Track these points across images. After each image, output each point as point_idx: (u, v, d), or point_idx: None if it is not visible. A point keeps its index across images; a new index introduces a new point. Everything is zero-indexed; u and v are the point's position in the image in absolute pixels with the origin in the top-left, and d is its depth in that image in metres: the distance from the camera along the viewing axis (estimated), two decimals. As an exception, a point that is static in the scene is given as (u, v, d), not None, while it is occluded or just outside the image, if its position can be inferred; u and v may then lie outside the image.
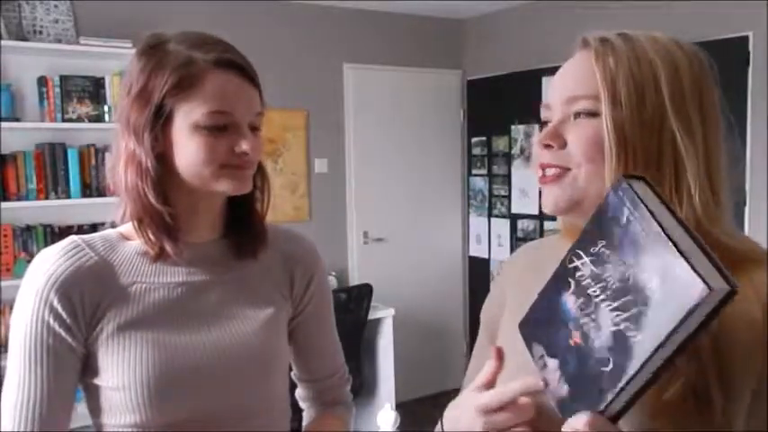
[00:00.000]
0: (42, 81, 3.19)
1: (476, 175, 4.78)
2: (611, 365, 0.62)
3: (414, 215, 4.68)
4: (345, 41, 4.34)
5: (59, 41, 3.24)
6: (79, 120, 3.25)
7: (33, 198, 3.16)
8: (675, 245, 0.58)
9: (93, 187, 3.31)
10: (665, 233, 0.59)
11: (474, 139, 4.78)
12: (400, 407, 3.62)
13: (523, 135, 4.36)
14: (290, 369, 1.18)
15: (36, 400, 0.92)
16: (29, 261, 3.25)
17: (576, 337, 0.66)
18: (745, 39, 3.19)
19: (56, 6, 3.26)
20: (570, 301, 0.68)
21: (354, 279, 4.35)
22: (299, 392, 1.22)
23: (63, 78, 3.21)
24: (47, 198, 3.18)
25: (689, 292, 0.55)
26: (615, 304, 0.62)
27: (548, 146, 0.80)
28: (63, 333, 0.93)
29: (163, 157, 0.96)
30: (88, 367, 0.96)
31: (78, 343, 0.94)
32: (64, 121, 3.22)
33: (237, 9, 3.88)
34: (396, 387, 3.93)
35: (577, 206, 0.79)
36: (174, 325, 0.97)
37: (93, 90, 3.28)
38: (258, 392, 1.02)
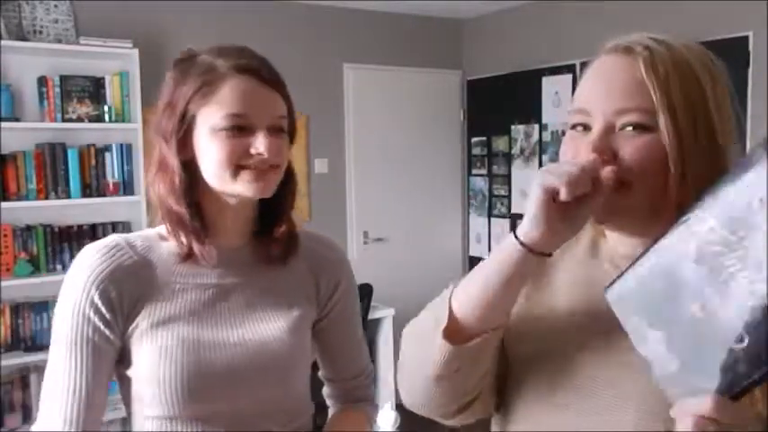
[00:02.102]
0: (42, 81, 3.19)
1: (476, 175, 4.78)
2: (746, 342, 0.58)
3: (414, 215, 4.68)
4: (345, 41, 4.34)
5: (59, 41, 3.24)
6: (79, 120, 3.25)
7: (33, 198, 3.16)
8: None
9: (93, 187, 3.31)
10: None
11: (474, 139, 4.77)
12: (400, 407, 3.62)
13: (523, 135, 4.36)
14: (318, 368, 1.24)
15: (78, 387, 0.98)
16: (29, 261, 3.25)
17: (696, 309, 0.62)
18: (745, 39, 3.19)
19: (56, 6, 3.26)
20: (689, 269, 0.63)
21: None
22: (325, 391, 1.26)
23: (63, 78, 3.21)
24: (47, 198, 3.18)
25: None
26: (760, 276, 0.57)
27: (603, 159, 0.77)
28: (102, 326, 0.99)
29: (191, 164, 1.02)
30: (123, 359, 1.02)
31: (116, 336, 1.00)
32: (64, 121, 3.22)
33: (237, 9, 3.88)
34: (396, 387, 3.92)
35: (623, 219, 0.79)
36: (204, 325, 1.03)
37: (93, 90, 3.28)
38: (281, 391, 1.07)
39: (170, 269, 1.04)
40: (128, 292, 1.00)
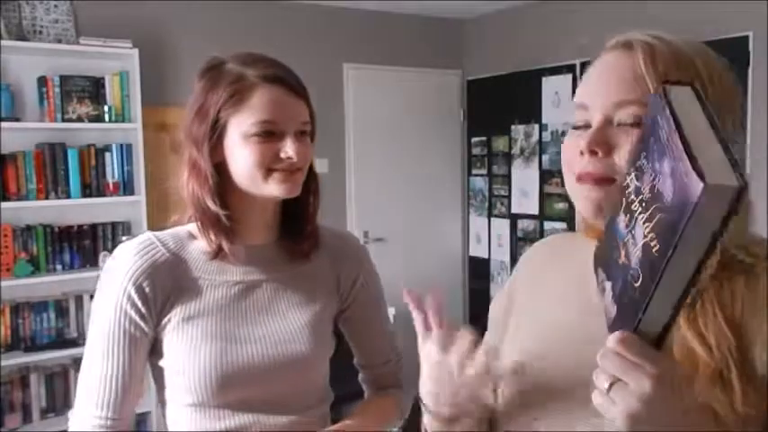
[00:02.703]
0: (42, 81, 3.19)
1: (476, 175, 4.78)
2: (640, 279, 0.61)
3: (414, 215, 4.68)
4: (345, 41, 4.34)
5: (59, 41, 3.24)
6: (79, 120, 3.25)
7: (33, 198, 3.15)
8: (688, 145, 0.55)
9: (92, 187, 3.30)
10: (681, 134, 0.56)
11: (474, 139, 4.77)
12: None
13: (523, 135, 4.36)
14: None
15: (114, 375, 1.07)
16: (29, 261, 3.24)
17: (623, 256, 0.65)
18: (745, 39, 3.19)
19: (56, 6, 3.26)
20: (621, 220, 0.67)
21: (354, 279, 4.34)
22: (360, 377, 1.34)
23: (63, 78, 3.21)
24: (47, 198, 3.18)
25: (689, 191, 0.53)
26: (646, 215, 0.61)
27: (594, 152, 0.75)
28: (138, 319, 1.07)
29: (221, 167, 1.09)
30: (155, 350, 1.10)
31: (150, 328, 1.08)
32: (64, 121, 3.21)
33: (237, 9, 3.88)
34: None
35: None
36: (230, 319, 1.10)
37: (93, 90, 3.28)
38: (301, 382, 1.14)
39: (199, 266, 1.11)
40: (161, 287, 1.07)
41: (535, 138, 4.26)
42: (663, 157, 0.59)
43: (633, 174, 0.65)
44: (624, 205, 0.67)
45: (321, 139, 4.41)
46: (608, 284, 0.69)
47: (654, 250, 0.58)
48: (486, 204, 4.70)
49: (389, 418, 1.28)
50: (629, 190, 0.66)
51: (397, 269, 4.56)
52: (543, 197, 4.24)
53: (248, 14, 3.92)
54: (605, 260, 0.71)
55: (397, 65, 4.52)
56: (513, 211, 4.47)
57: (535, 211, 4.30)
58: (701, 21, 3.27)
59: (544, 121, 4.18)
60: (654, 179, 0.60)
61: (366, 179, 4.47)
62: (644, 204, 0.62)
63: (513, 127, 4.42)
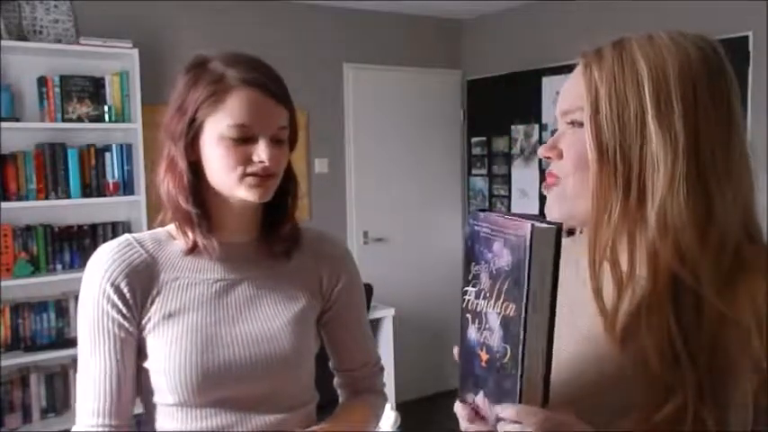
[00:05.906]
0: (42, 81, 3.19)
1: (476, 175, 4.78)
2: (508, 352, 0.68)
3: (414, 215, 4.68)
4: (345, 41, 4.34)
5: (59, 41, 3.24)
6: (79, 120, 3.25)
7: (33, 198, 3.15)
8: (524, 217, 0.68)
9: (93, 187, 3.30)
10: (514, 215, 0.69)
11: (474, 139, 4.77)
12: (400, 407, 3.62)
13: (523, 135, 4.36)
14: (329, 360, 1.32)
15: (105, 375, 1.07)
16: (29, 261, 3.24)
17: (483, 357, 0.72)
18: (745, 39, 3.19)
19: (56, 6, 3.26)
20: (472, 331, 0.74)
21: (354, 279, 4.34)
22: (335, 381, 1.32)
23: (63, 78, 3.21)
24: (47, 198, 3.18)
25: (523, 237, 0.66)
26: (493, 300, 0.70)
27: (547, 157, 0.83)
28: (120, 319, 1.07)
29: (197, 164, 1.09)
30: (140, 352, 1.10)
31: (134, 327, 1.08)
32: (64, 121, 3.21)
33: (237, 9, 3.88)
34: (396, 387, 3.93)
35: (571, 216, 0.81)
36: (210, 317, 1.10)
37: (93, 90, 3.28)
38: (285, 381, 1.13)
39: (178, 265, 1.12)
40: (139, 287, 1.08)
41: (535, 138, 4.26)
42: (492, 242, 0.70)
43: (469, 287, 0.74)
44: (471, 317, 0.75)
45: (321, 139, 4.40)
46: (479, 398, 0.74)
47: (512, 313, 0.67)
48: (486, 204, 4.70)
49: (367, 423, 1.26)
50: (470, 299, 0.74)
51: (397, 269, 4.57)
52: (543, 197, 4.23)
53: (248, 14, 3.92)
54: (466, 381, 0.77)
55: (397, 65, 4.52)
56: (513, 211, 4.47)
57: (535, 211, 4.30)
58: (701, 21, 3.27)
59: (544, 121, 4.19)
60: (490, 266, 0.70)
61: (366, 179, 4.47)
62: (488, 295, 0.71)
63: (512, 127, 4.42)
